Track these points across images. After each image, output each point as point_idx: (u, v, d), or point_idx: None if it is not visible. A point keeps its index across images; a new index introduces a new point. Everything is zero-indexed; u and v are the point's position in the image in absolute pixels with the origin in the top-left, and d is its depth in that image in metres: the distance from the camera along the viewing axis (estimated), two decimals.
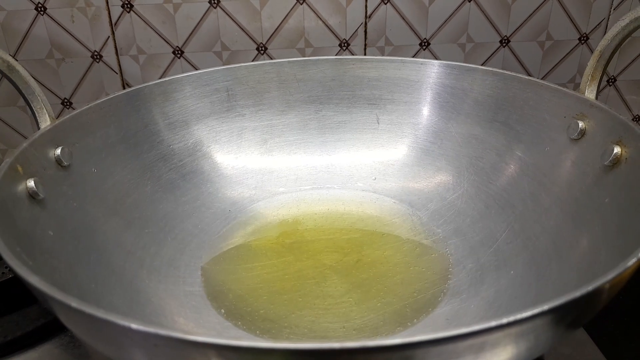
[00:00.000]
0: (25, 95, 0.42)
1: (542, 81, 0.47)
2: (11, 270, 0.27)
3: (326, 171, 0.55)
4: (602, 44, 0.43)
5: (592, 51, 0.67)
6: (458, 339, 0.22)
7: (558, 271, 0.38)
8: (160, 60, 0.66)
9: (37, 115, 0.42)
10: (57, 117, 0.43)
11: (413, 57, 0.65)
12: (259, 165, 0.55)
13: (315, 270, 0.44)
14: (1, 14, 0.61)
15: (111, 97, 0.47)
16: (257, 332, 0.38)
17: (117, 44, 0.64)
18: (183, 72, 0.53)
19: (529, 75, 0.67)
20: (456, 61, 0.53)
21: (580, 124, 0.42)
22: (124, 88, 0.67)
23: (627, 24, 0.41)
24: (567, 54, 0.68)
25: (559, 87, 0.45)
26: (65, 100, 0.67)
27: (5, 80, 0.64)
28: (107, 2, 0.62)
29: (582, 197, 0.40)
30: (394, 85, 0.55)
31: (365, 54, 0.65)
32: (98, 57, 0.65)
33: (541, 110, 0.46)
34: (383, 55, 0.65)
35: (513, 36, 0.66)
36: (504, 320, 0.23)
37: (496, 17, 0.64)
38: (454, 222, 0.48)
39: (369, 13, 0.63)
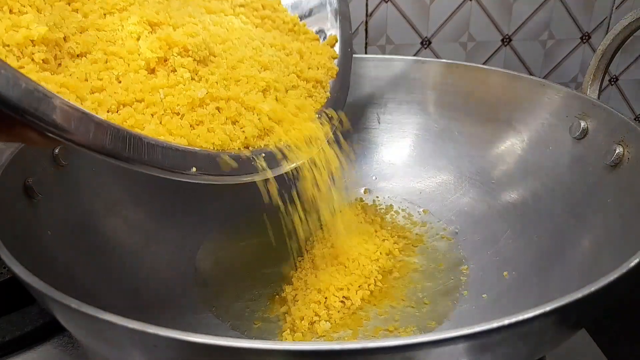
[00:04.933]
0: None
1: (544, 80, 0.46)
2: (9, 270, 0.27)
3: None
4: (604, 43, 0.43)
5: (594, 50, 0.67)
6: (459, 340, 0.22)
7: (560, 271, 0.38)
8: None
9: None
10: None
11: (414, 55, 0.65)
12: None
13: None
14: None
15: None
16: (256, 329, 0.38)
17: None
18: None
19: (531, 74, 0.67)
20: (457, 60, 0.52)
21: (583, 123, 0.42)
22: None
23: (629, 23, 0.41)
24: (569, 53, 0.67)
25: (561, 87, 0.45)
26: None
27: None
28: None
29: (584, 197, 0.40)
30: (395, 84, 0.54)
31: (366, 53, 0.65)
32: None
33: (543, 109, 0.46)
34: (384, 54, 0.65)
35: (515, 35, 0.65)
36: (506, 322, 0.22)
37: (498, 16, 0.64)
38: (455, 222, 0.48)
39: (369, 11, 0.63)
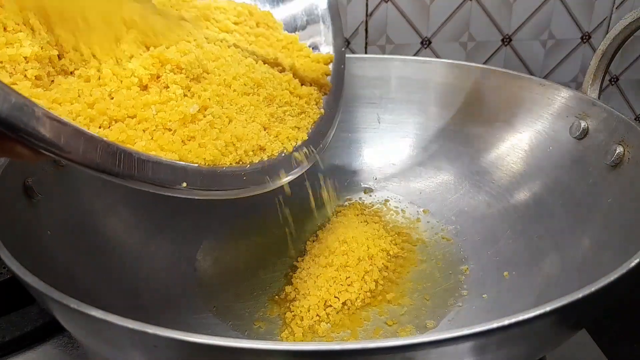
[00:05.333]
0: None
1: (544, 80, 0.46)
2: (9, 270, 0.27)
3: (327, 171, 0.55)
4: (605, 43, 0.43)
5: (594, 50, 0.67)
6: (459, 340, 0.22)
7: (560, 272, 0.38)
8: None
9: None
10: None
11: (414, 55, 0.65)
12: None
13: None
14: None
15: None
16: (256, 329, 0.38)
17: None
18: None
19: (531, 74, 0.67)
20: (458, 60, 0.52)
21: (583, 123, 0.42)
22: None
23: (630, 23, 0.41)
24: (569, 52, 0.67)
25: (561, 86, 0.45)
26: None
27: None
28: None
29: (584, 197, 0.40)
30: (395, 84, 0.54)
31: (366, 53, 0.65)
32: None
33: (543, 109, 0.46)
34: (384, 53, 0.65)
35: (515, 35, 0.65)
36: (506, 322, 0.22)
37: (498, 16, 0.64)
38: (455, 223, 0.48)
39: (369, 11, 0.63)
